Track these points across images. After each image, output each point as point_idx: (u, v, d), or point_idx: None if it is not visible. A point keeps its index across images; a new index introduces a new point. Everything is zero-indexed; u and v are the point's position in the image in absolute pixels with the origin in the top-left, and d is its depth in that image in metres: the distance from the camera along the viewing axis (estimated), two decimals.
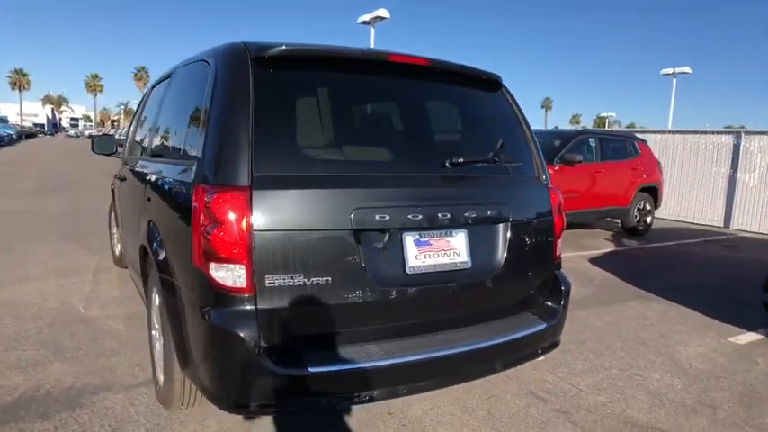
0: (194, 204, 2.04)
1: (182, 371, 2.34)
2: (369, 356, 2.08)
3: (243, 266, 1.94)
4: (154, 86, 3.88)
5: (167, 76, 3.27)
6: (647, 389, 3.20)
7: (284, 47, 2.17)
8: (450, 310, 2.35)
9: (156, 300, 2.69)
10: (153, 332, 2.88)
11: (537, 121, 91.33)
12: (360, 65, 2.35)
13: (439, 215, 2.26)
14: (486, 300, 2.45)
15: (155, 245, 2.50)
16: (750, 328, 4.36)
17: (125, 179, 3.85)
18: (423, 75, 2.48)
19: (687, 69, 29.69)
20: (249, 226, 1.95)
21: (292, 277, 2.00)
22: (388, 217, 2.14)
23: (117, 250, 5.39)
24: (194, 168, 2.12)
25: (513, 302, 2.57)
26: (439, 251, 2.27)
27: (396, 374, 2.11)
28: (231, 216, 1.94)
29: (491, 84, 2.70)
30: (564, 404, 2.95)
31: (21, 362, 3.20)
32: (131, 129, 4.12)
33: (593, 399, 3.04)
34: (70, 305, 4.26)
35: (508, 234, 2.46)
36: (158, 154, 2.87)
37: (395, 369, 2.09)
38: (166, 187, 2.47)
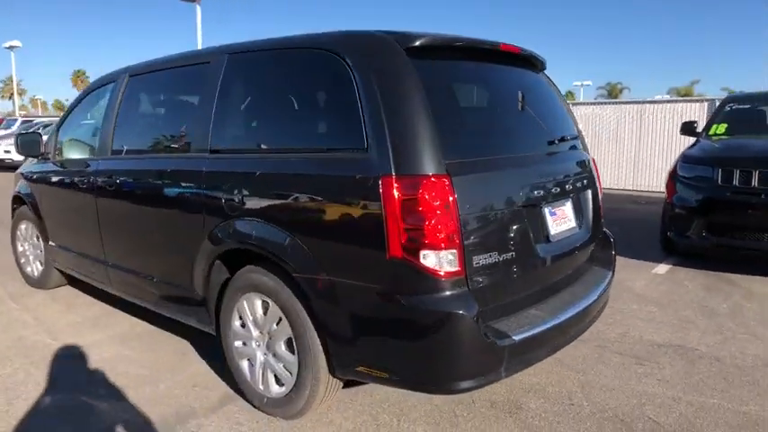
0: (385, 196, 1.99)
1: (338, 371, 2.27)
2: (541, 318, 2.29)
3: (455, 251, 1.99)
4: (134, 75, 3.34)
5: (199, 62, 2.88)
6: (640, 317, 3.90)
7: (428, 36, 2.21)
8: (568, 271, 2.65)
9: (257, 308, 2.51)
10: (237, 344, 2.65)
11: None
12: (482, 53, 2.48)
13: (564, 187, 2.54)
14: (584, 258, 2.80)
15: (282, 248, 2.30)
16: (656, 261, 5.46)
17: (110, 186, 3.27)
18: (516, 61, 2.69)
19: None
20: (457, 211, 1.99)
21: (490, 255, 2.10)
22: (541, 192, 2.36)
23: (35, 269, 4.53)
24: (372, 161, 2.04)
25: (590, 258, 2.96)
26: (561, 219, 2.55)
27: (560, 331, 2.36)
28: (440, 203, 1.96)
29: (542, 66, 3.01)
30: (599, 341, 3.48)
31: (54, 411, 2.65)
32: (104, 126, 3.45)
33: (613, 332, 3.62)
34: (29, 339, 3.53)
35: (590, 199, 2.84)
36: (246, 149, 2.57)
37: (561, 326, 2.33)
38: (304, 183, 2.27)
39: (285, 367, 2.46)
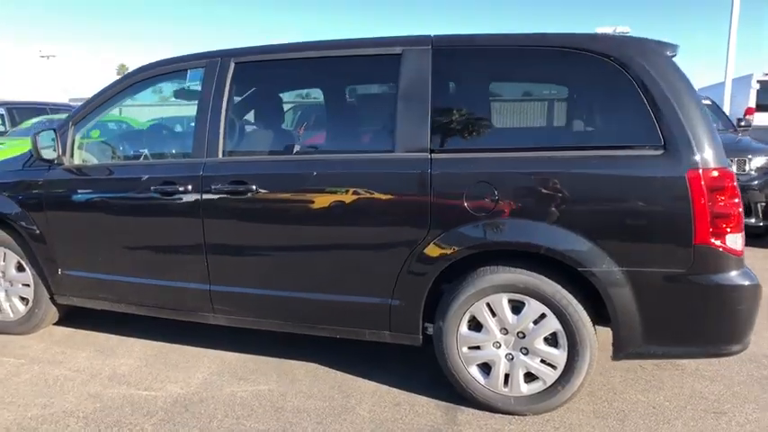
0: (694, 189, 2.20)
1: (624, 353, 2.41)
2: None
3: (742, 232, 2.30)
4: (242, 63, 2.77)
5: (378, 54, 2.58)
6: None
7: (673, 45, 2.47)
8: None
9: (504, 309, 2.47)
10: (465, 350, 2.57)
11: None
12: None
13: None
14: None
15: (563, 246, 2.32)
16: None
17: (235, 194, 2.72)
18: None
19: None
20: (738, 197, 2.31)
21: None
22: None
23: (9, 310, 3.45)
24: (674, 158, 2.22)
25: None
26: None
27: None
28: (734, 191, 2.25)
29: None
30: None
31: None
32: (207, 123, 2.79)
33: None
34: (108, 395, 2.75)
35: None
36: (489, 149, 2.42)
37: None
38: (586, 180, 2.31)
39: (545, 362, 2.48)
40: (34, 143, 2.99)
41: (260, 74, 2.93)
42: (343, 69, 2.80)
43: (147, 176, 2.96)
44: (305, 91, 2.98)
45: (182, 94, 3.56)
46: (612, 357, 2.47)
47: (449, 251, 2.48)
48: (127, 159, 3.22)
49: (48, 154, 3.04)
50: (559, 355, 2.46)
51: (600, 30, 32.24)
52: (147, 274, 3.05)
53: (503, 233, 2.42)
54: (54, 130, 3.07)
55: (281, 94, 3.05)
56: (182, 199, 2.84)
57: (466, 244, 2.46)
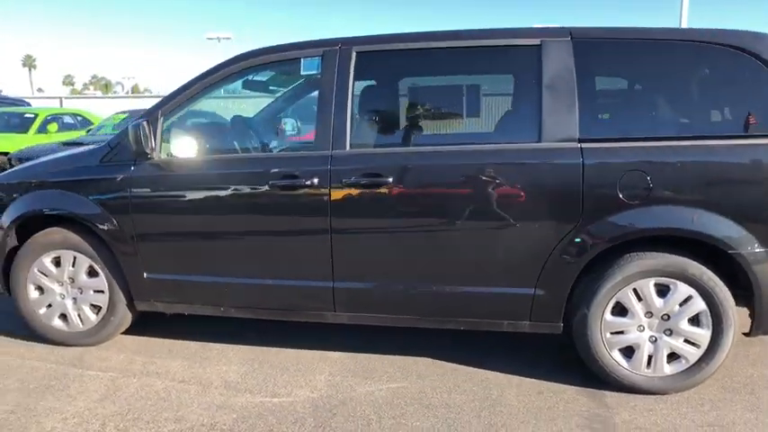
0: None
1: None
2: None
3: None
4: (365, 52, 2.67)
5: (514, 45, 2.58)
6: None
7: None
8: None
9: (651, 293, 2.54)
10: (608, 336, 2.62)
11: (23, 83, 77.93)
12: None
13: None
14: None
15: (724, 232, 2.43)
16: None
17: (370, 187, 2.61)
18: None
19: (230, 35, 32.58)
20: None
21: None
22: None
23: (77, 319, 3.15)
24: None
25: None
26: None
27: None
28: None
29: None
30: None
31: None
32: (331, 114, 2.65)
33: None
34: (239, 404, 2.57)
35: None
36: (635, 138, 2.47)
37: None
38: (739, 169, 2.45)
39: (689, 342, 2.58)
40: (136, 136, 2.72)
41: (384, 64, 2.82)
42: (475, 60, 2.77)
43: (259, 170, 2.78)
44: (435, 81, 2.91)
45: (251, 86, 3.38)
46: (749, 334, 2.62)
47: (602, 239, 2.53)
48: (220, 153, 3.01)
49: (145, 147, 2.78)
50: (704, 335, 2.57)
51: (537, 26, 34.25)
52: (255, 273, 2.87)
53: (657, 220, 2.50)
54: (147, 122, 2.80)
55: (407, 85, 2.97)
56: (306, 193, 2.70)
57: (620, 232, 2.51)
